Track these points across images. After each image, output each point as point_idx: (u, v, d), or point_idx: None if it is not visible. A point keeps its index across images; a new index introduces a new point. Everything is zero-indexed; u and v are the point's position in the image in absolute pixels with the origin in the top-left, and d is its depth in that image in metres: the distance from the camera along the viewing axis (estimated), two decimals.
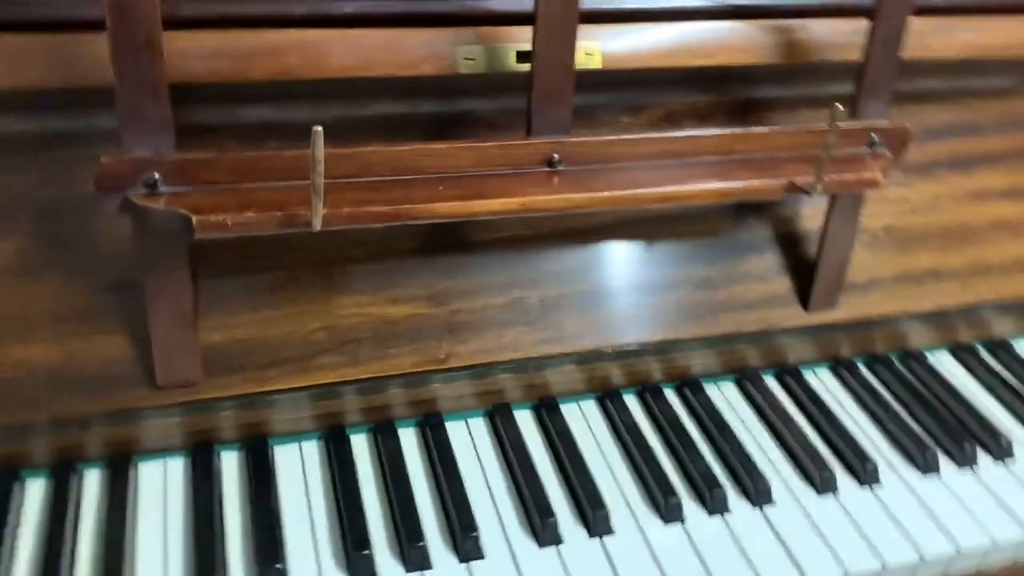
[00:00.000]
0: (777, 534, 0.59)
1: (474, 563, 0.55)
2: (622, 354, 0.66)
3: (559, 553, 0.56)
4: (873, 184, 0.58)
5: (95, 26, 0.48)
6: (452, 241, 0.61)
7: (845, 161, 0.58)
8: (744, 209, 0.68)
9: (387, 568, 0.54)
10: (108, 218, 0.54)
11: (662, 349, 0.67)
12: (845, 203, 0.63)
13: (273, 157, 0.48)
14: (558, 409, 0.67)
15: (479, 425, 0.65)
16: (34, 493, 0.57)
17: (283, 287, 0.58)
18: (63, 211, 0.54)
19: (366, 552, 0.54)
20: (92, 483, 0.58)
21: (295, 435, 0.62)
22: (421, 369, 0.59)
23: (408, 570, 0.54)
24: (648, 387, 0.69)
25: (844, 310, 0.69)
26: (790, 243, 0.68)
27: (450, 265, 0.61)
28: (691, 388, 0.70)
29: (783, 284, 0.68)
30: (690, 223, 0.66)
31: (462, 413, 0.66)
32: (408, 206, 0.49)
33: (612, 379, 0.68)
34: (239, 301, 0.57)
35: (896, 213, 0.71)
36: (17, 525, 0.55)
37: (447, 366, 0.60)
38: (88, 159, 0.53)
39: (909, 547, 0.59)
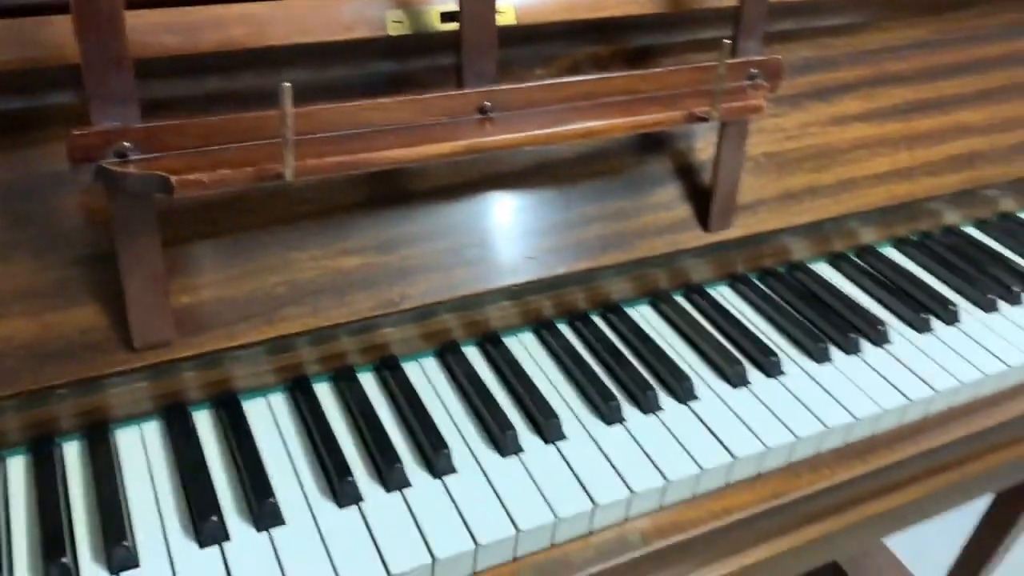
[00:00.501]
0: (701, 419, 0.68)
1: (447, 477, 0.61)
2: (552, 285, 0.73)
3: (521, 461, 0.63)
4: (758, 110, 0.67)
5: (49, 10, 0.51)
6: (393, 193, 0.66)
7: (732, 93, 0.67)
8: (648, 147, 0.76)
9: (369, 489, 0.60)
10: (71, 195, 0.57)
11: (587, 278, 0.75)
12: (732, 133, 0.72)
13: (237, 120, 0.52)
14: (501, 342, 0.73)
15: (431, 363, 0.71)
16: (17, 471, 0.59)
17: (242, 249, 0.61)
18: (27, 192, 0.56)
19: (350, 479, 0.59)
20: (73, 455, 0.60)
21: (263, 389, 0.66)
22: (379, 313, 0.65)
23: (388, 489, 0.60)
24: (576, 314, 0.77)
25: (738, 229, 0.78)
26: (689, 174, 0.77)
27: (394, 215, 0.66)
28: (614, 312, 0.78)
29: (686, 210, 0.76)
30: (603, 162, 0.73)
31: (415, 355, 0.71)
32: (366, 155, 0.54)
33: (544, 311, 0.76)
34: (202, 265, 0.60)
35: (773, 141, 0.81)
36: (6, 504, 0.57)
37: (402, 308, 0.65)
38: (47, 139, 0.56)
39: (813, 420, 0.69)
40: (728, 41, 0.62)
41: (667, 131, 0.76)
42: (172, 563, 0.54)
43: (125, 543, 0.53)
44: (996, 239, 0.95)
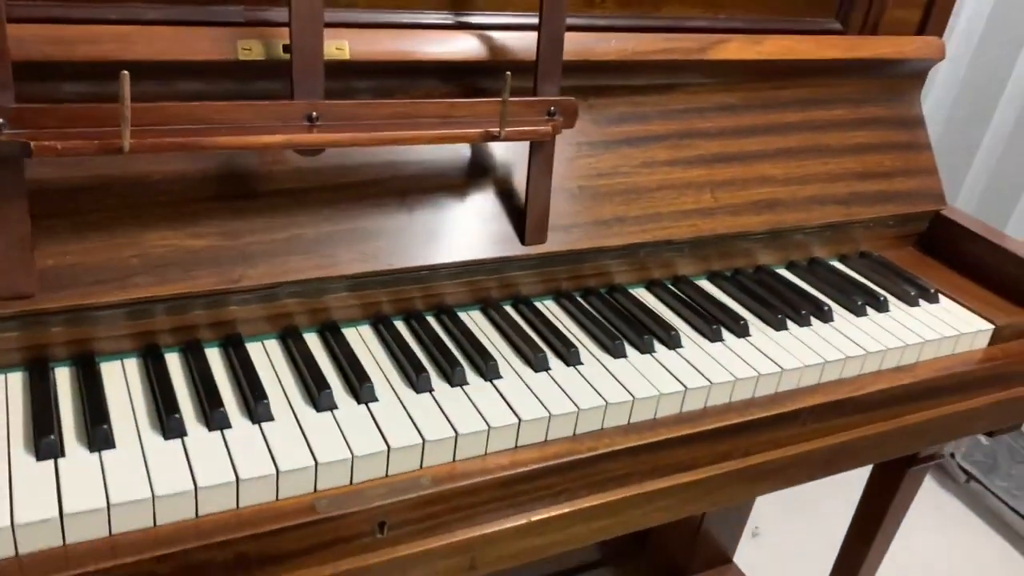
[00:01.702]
0: (499, 391, 0.80)
1: (264, 424, 0.72)
2: (385, 282, 0.85)
3: (334, 416, 0.74)
4: (544, 135, 0.83)
5: None
6: (242, 192, 0.79)
7: (527, 121, 0.82)
8: (476, 174, 0.90)
9: (195, 429, 0.70)
10: None
11: (420, 278, 0.87)
12: (540, 159, 0.87)
13: (92, 108, 0.66)
14: (339, 330, 0.85)
15: (273, 344, 0.83)
16: None
17: (104, 225, 0.74)
18: None
19: (177, 415, 0.70)
20: None
21: (118, 353, 0.77)
22: (220, 288, 0.76)
23: (210, 429, 0.70)
24: (412, 312, 0.89)
25: (553, 245, 0.91)
26: (509, 195, 0.91)
27: (241, 209, 0.79)
28: (446, 313, 0.90)
29: (506, 225, 0.90)
30: (439, 179, 0.87)
31: (259, 336, 0.83)
32: (198, 138, 0.68)
33: (382, 307, 0.88)
34: (68, 235, 0.72)
35: (587, 177, 0.95)
36: None
37: (240, 286, 0.77)
38: None
39: (597, 397, 0.81)
40: (509, 74, 0.77)
41: (491, 162, 0.90)
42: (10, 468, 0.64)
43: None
44: (800, 277, 1.10)
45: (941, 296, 1.10)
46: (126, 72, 0.62)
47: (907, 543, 2.04)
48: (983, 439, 2.23)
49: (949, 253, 1.19)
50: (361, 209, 0.84)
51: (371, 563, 0.71)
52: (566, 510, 0.80)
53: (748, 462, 0.89)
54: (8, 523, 0.59)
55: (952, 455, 2.31)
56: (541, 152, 0.86)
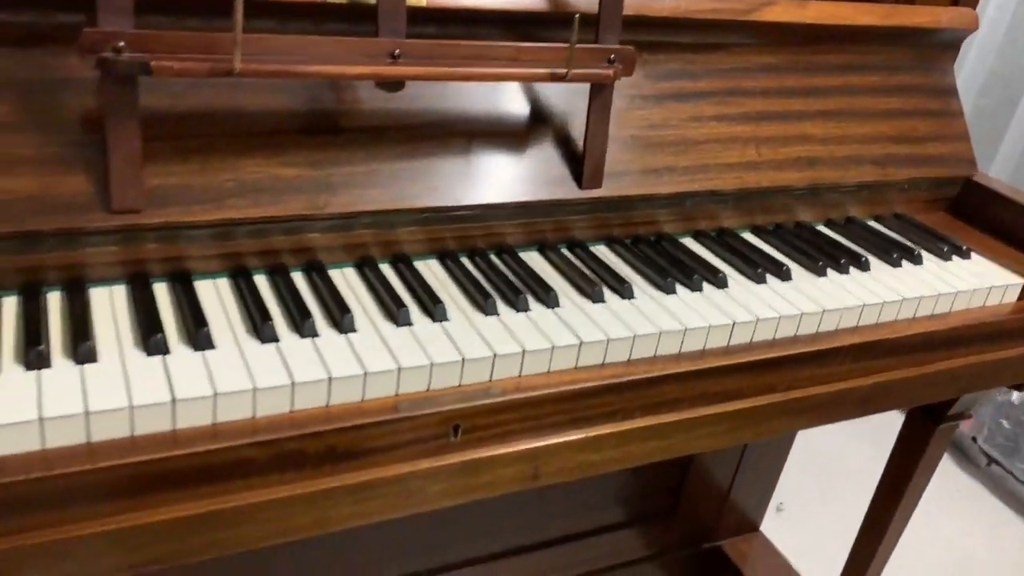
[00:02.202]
0: (564, 321, 0.86)
1: (350, 334, 0.78)
2: (452, 217, 0.91)
3: (412, 331, 0.80)
4: (605, 79, 0.88)
5: None
6: (327, 127, 0.86)
7: (590, 66, 0.88)
8: (540, 121, 0.96)
9: (285, 334, 0.76)
10: (74, 94, 0.76)
11: (482, 216, 0.93)
12: (598, 105, 0.93)
13: (205, 36, 0.72)
14: (411, 262, 0.91)
15: (351, 273, 0.89)
16: (9, 307, 0.75)
17: (205, 150, 0.80)
18: (42, 88, 0.75)
19: (270, 323, 0.76)
20: (55, 300, 0.77)
21: (210, 273, 0.83)
22: (306, 213, 0.83)
23: (302, 336, 0.76)
24: (476, 250, 0.95)
25: (607, 190, 0.97)
26: (568, 143, 0.96)
27: (326, 143, 0.85)
28: (507, 252, 0.96)
29: (564, 170, 0.96)
30: (501, 126, 0.93)
31: (338, 264, 0.89)
32: (297, 67, 0.74)
33: (448, 242, 0.94)
34: (172, 157, 0.79)
35: (639, 127, 1.01)
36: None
37: (324, 212, 0.83)
38: (59, 51, 0.76)
39: (651, 326, 0.87)
40: (577, 16, 0.83)
41: (553, 110, 0.96)
42: (123, 362, 0.70)
43: (88, 342, 0.70)
44: (838, 233, 1.15)
45: (973, 254, 1.15)
46: (240, 0, 0.68)
47: (929, 526, 2.09)
48: (1005, 423, 2.27)
49: (980, 217, 1.24)
50: (431, 148, 0.90)
51: (446, 463, 0.77)
52: (622, 428, 0.85)
53: (790, 395, 0.94)
54: (167, 397, 0.66)
55: (974, 439, 2.35)
56: (600, 98, 0.92)
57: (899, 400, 1.06)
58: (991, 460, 2.32)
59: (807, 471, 2.26)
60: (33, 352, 0.68)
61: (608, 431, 0.84)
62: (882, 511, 1.42)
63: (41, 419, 0.63)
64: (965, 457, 2.40)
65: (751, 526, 1.85)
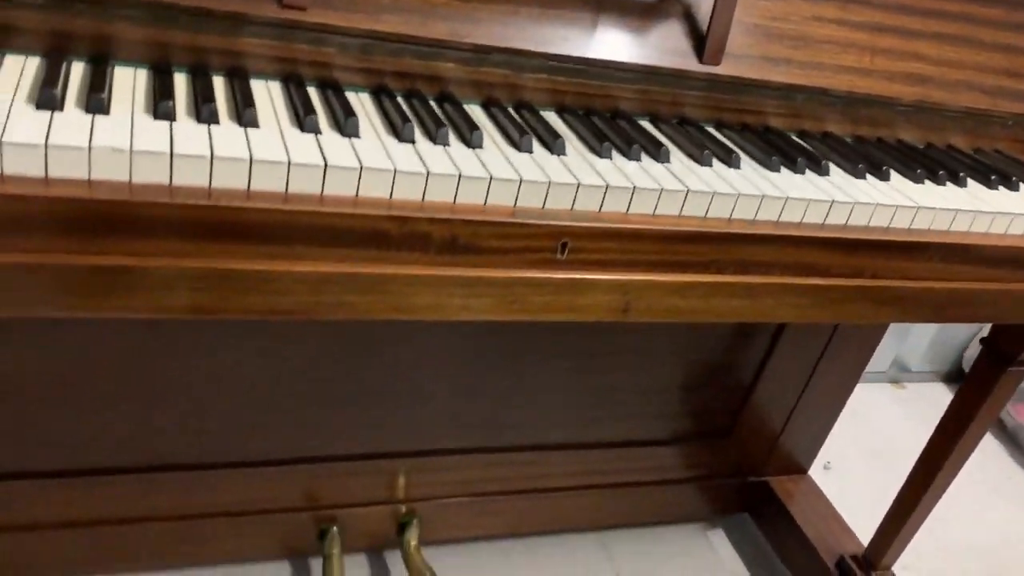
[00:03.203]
0: (673, 173, 0.91)
1: (477, 150, 0.84)
2: (577, 71, 0.97)
3: (532, 158, 0.86)
4: None
5: None
6: None
7: None
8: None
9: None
10: None
11: (606, 75, 0.99)
12: None
13: None
14: (534, 109, 0.97)
15: (477, 109, 0.96)
16: (181, 80, 0.83)
17: None
18: None
19: (410, 124, 0.83)
20: (219, 81, 0.85)
21: (353, 86, 0.91)
22: (448, 38, 0.89)
23: (435, 143, 0.83)
24: (591, 110, 1.01)
25: (725, 68, 1.02)
26: (691, 16, 1.01)
27: None
28: (621, 116, 1.02)
29: (685, 43, 1.00)
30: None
31: (466, 100, 0.95)
32: None
33: (566, 98, 0.99)
34: None
35: (763, 17, 1.05)
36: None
37: (464, 41, 0.90)
38: None
39: (754, 188, 0.91)
40: None
41: None
42: (281, 133, 0.77)
43: (251, 108, 0.77)
44: (938, 154, 1.18)
45: None
46: None
47: (980, 514, 2.10)
48: None
49: None
50: (567, 3, 0.96)
51: (551, 277, 0.83)
52: (712, 280, 0.90)
53: (876, 283, 0.98)
54: (320, 162, 0.73)
55: None
56: None
57: (975, 312, 1.09)
58: None
59: (856, 439, 2.28)
60: (206, 108, 0.76)
61: (699, 279, 0.90)
62: (937, 455, 1.45)
63: (212, 157, 0.70)
64: (1015, 445, 2.40)
65: (799, 469, 1.88)
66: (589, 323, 1.41)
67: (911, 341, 2.57)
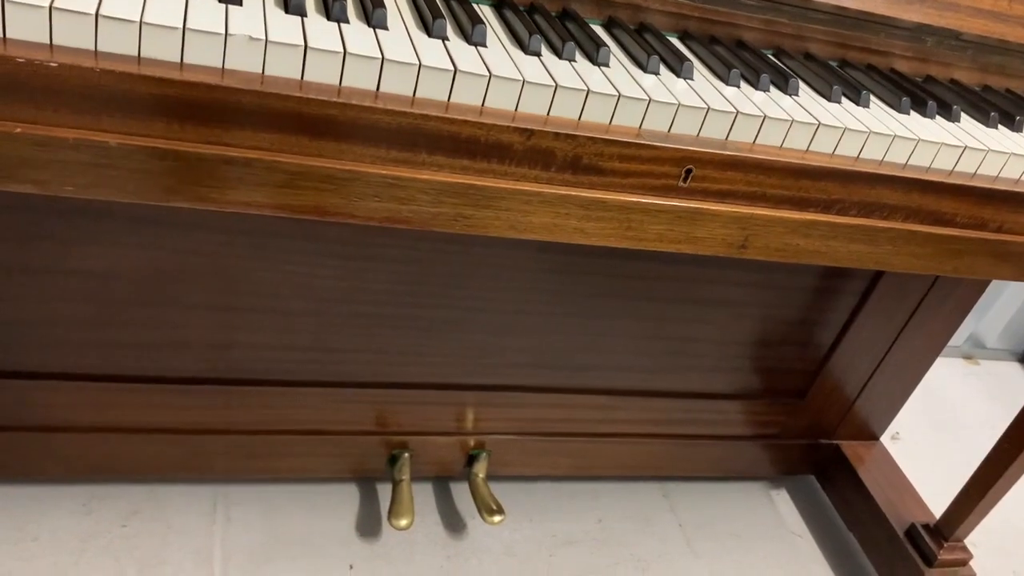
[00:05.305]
0: (802, 105, 0.88)
1: (603, 67, 0.82)
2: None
3: (660, 80, 0.83)
4: None
5: None
6: None
7: None
8: None
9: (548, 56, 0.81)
10: None
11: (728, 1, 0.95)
12: None
13: None
14: (655, 31, 0.94)
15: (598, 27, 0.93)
16: None
17: None
18: None
19: (536, 35, 0.80)
20: None
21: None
22: None
23: (561, 56, 0.80)
24: (713, 38, 0.97)
25: (853, 1, 0.97)
26: None
27: None
28: (745, 48, 0.98)
29: None
30: None
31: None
32: None
33: (690, 24, 0.96)
34: None
35: None
36: None
37: None
38: None
39: (885, 127, 0.87)
40: None
41: None
42: (410, 36, 0.75)
43: (382, 8, 0.75)
44: None
45: None
46: None
47: None
48: None
49: None
50: None
51: (670, 204, 0.81)
52: (835, 220, 0.87)
53: (999, 236, 0.94)
54: (450, 67, 0.71)
55: None
56: None
57: None
58: None
59: (925, 411, 2.23)
60: (336, 5, 0.74)
61: (822, 218, 0.86)
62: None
63: (345, 54, 0.69)
64: None
65: (871, 436, 1.84)
66: (676, 269, 1.38)
67: (990, 317, 2.49)
